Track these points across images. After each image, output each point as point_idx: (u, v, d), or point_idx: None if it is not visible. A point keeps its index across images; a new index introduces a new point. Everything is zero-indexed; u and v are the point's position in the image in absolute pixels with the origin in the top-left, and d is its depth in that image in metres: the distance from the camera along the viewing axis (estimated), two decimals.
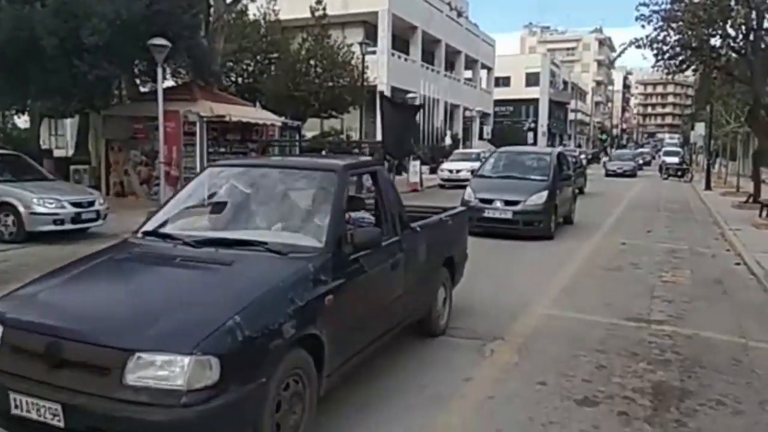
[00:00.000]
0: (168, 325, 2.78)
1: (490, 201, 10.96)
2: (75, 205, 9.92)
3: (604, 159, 46.89)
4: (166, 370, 2.60)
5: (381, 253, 4.06)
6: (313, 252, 3.51)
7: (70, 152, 22.73)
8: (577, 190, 15.52)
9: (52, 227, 9.59)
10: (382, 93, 24.71)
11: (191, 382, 2.59)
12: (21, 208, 9.47)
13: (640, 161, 45.65)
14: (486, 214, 10.80)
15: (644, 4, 14.92)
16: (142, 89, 17.44)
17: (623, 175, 33.24)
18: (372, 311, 4.07)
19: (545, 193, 10.99)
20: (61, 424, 2.67)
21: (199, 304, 2.97)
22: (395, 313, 4.44)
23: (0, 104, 21.70)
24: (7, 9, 12.18)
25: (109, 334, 2.76)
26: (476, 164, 17.98)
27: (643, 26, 15.16)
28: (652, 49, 15.36)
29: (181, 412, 2.57)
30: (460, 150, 31.02)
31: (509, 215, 10.78)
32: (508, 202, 10.80)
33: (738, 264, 9.26)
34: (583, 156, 36.69)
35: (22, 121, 28.79)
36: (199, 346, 2.63)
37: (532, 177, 11.62)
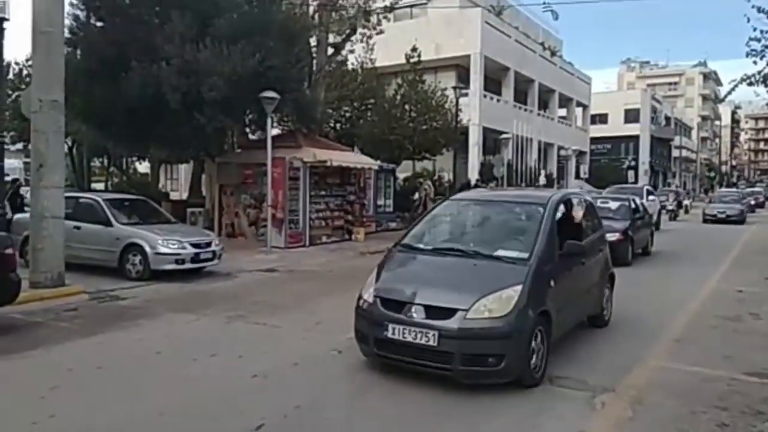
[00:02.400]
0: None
1: (398, 306, 5.32)
2: (194, 245, 10.73)
3: (706, 201, 39.66)
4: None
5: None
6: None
7: (184, 195, 24.59)
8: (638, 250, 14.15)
9: (174, 266, 10.41)
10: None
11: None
12: (147, 249, 10.35)
13: (752, 202, 40.05)
14: (390, 334, 5.23)
15: (756, 39, 14.23)
16: (250, 137, 18.70)
17: (726, 221, 27.45)
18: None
19: (515, 291, 5.16)
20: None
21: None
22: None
23: (125, 151, 24.08)
24: (137, 68, 13.54)
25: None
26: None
27: (755, 62, 14.43)
28: (766, 86, 14.58)
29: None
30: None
31: (432, 340, 5.04)
32: (431, 311, 5.13)
33: None
34: (665, 198, 31.57)
35: (142, 167, 31.64)
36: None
37: (499, 252, 5.71)
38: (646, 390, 5.29)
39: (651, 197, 23.11)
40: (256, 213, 15.77)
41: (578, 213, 6.89)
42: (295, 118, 18.27)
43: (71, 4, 14.39)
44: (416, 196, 22.61)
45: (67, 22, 12.99)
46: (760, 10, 13.88)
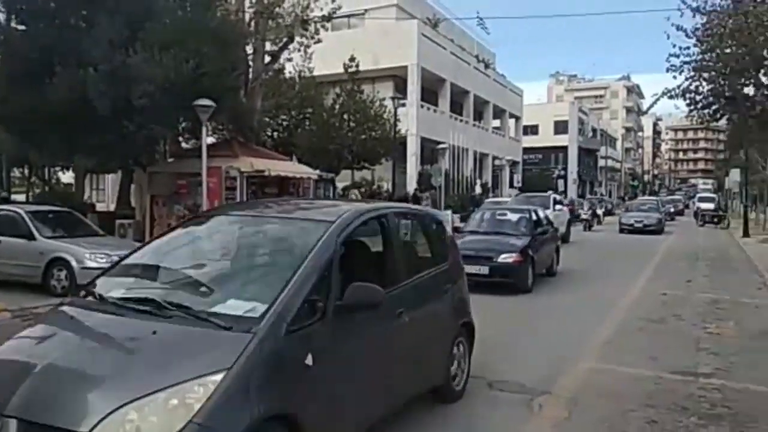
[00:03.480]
0: None
1: None
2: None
3: (621, 210, 37.62)
4: None
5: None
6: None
7: (112, 206, 23.61)
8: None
9: None
10: None
11: None
12: (74, 263, 9.86)
13: (671, 209, 40.18)
14: None
15: (675, 55, 15.10)
16: (184, 146, 18.20)
17: (643, 230, 25.80)
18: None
19: (200, 387, 2.76)
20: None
21: None
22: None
23: (49, 160, 22.91)
24: (61, 73, 12.93)
25: None
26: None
27: (674, 77, 15.32)
28: (685, 99, 15.48)
29: None
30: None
31: None
32: None
33: None
34: (581, 207, 30.74)
35: (66, 176, 30.15)
36: None
37: (220, 306, 3.35)
38: (580, 391, 5.48)
39: (558, 207, 21.22)
40: None
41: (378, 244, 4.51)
42: (230, 126, 17.97)
43: None
44: None
45: None
46: (679, 28, 14.80)
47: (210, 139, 17.47)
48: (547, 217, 13.97)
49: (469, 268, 7.41)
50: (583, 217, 28.60)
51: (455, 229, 19.30)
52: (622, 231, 26.34)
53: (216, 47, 14.14)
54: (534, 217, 12.62)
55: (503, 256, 10.53)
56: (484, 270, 10.25)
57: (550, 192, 25.86)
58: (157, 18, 13.69)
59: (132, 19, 13.42)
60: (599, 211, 34.44)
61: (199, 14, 14.37)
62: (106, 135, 13.92)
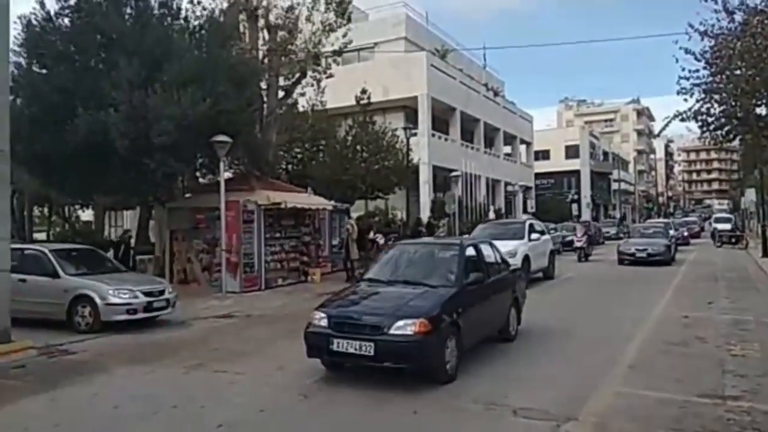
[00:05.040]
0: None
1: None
2: (147, 294, 10.45)
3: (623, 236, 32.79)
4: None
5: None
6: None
7: (131, 242, 23.88)
8: None
9: (126, 317, 10.08)
10: None
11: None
12: (97, 300, 10.00)
13: (685, 233, 35.39)
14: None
15: (685, 78, 15.20)
16: (201, 181, 18.50)
17: (648, 261, 20.90)
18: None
19: None
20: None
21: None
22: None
23: (70, 199, 23.34)
24: (83, 115, 13.26)
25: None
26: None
27: (685, 99, 15.39)
28: (697, 121, 15.52)
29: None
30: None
31: None
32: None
33: None
34: (572, 234, 26.39)
35: (85, 214, 30.63)
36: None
37: None
38: (607, 416, 5.46)
39: (534, 235, 16.62)
40: (209, 258, 15.51)
41: None
42: (247, 160, 18.25)
43: (13, 51, 14.09)
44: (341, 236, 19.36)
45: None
46: (687, 51, 14.93)
47: (227, 174, 17.74)
48: (500, 255, 9.22)
49: (346, 346, 6.32)
50: (577, 245, 24.59)
51: None
52: (621, 262, 21.61)
53: (232, 85, 14.51)
54: (472, 254, 8.17)
55: (399, 324, 6.28)
56: (368, 349, 6.25)
57: (526, 218, 21.87)
58: (175, 58, 14.07)
59: (150, 59, 13.81)
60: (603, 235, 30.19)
61: (214, 53, 14.77)
62: (126, 173, 14.22)
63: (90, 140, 13.20)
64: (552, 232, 24.30)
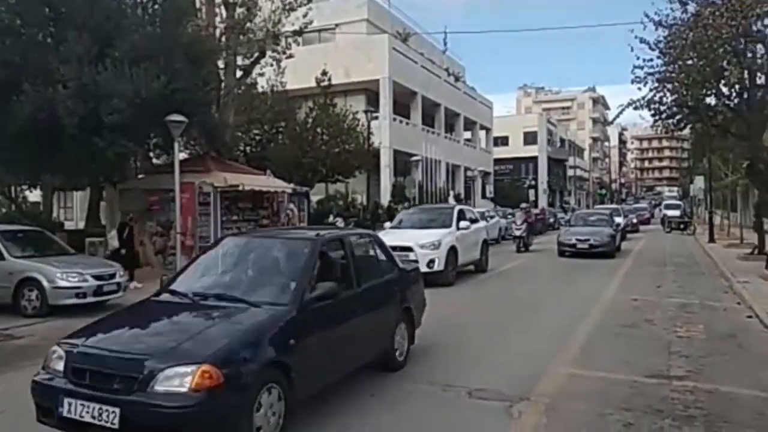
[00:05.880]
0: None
1: None
2: (97, 278, 10.16)
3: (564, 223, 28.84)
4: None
5: None
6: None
7: (80, 224, 23.15)
8: None
9: (75, 300, 9.79)
10: None
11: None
12: (45, 283, 9.68)
13: (634, 220, 34.26)
14: None
15: (639, 67, 15.54)
16: (155, 162, 18.01)
17: (590, 253, 18.72)
18: None
19: None
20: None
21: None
22: None
23: (16, 179, 22.39)
24: (29, 92, 12.70)
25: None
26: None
27: (639, 88, 15.73)
28: (650, 110, 15.89)
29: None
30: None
31: None
32: None
33: (750, 317, 9.37)
34: (512, 220, 24.21)
35: (33, 195, 29.47)
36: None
37: None
38: (558, 396, 5.59)
39: (464, 224, 14.44)
40: (163, 241, 15.15)
41: None
42: (203, 141, 17.83)
43: None
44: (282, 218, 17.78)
45: None
46: (642, 40, 15.25)
47: (182, 155, 17.33)
48: (384, 251, 6.81)
49: (81, 410, 3.90)
50: (516, 233, 21.78)
51: None
52: (561, 254, 19.41)
53: (187, 62, 14.09)
54: (334, 254, 5.78)
55: (168, 374, 3.89)
56: (111, 419, 3.83)
57: (454, 204, 19.57)
58: (127, 33, 13.58)
59: (101, 34, 13.28)
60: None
61: (169, 30, 14.29)
62: (76, 152, 13.69)
63: (37, 118, 12.66)
64: (488, 219, 22.99)
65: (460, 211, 15.15)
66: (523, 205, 24.93)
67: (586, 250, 18.89)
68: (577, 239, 19.43)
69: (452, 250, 13.27)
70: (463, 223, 14.36)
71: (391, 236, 12.27)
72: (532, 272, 15.99)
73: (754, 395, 5.60)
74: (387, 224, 15.93)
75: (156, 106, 13.09)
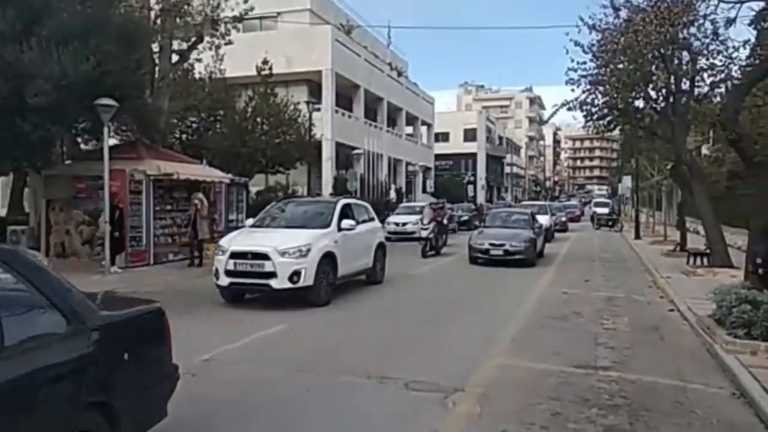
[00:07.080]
0: None
1: None
2: None
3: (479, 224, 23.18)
4: None
5: None
6: None
7: (2, 212, 21.83)
8: None
9: None
10: None
11: None
12: None
13: (563, 218, 32.96)
14: None
15: (573, 69, 16.00)
16: (83, 147, 17.16)
17: (505, 261, 15.83)
18: None
19: None
20: None
21: None
22: None
23: None
24: None
25: None
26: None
27: (572, 89, 16.23)
28: (582, 111, 16.40)
29: None
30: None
31: None
32: None
33: (671, 310, 9.87)
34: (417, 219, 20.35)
35: None
36: None
37: None
38: (491, 386, 5.71)
39: (348, 223, 11.25)
40: (91, 230, 14.45)
41: None
42: (135, 127, 17.15)
43: None
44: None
45: None
46: (576, 43, 15.70)
47: (113, 141, 16.60)
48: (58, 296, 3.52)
49: None
50: (422, 234, 18.50)
51: None
52: (473, 260, 16.46)
53: (119, 44, 13.46)
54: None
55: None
56: None
57: (338, 199, 12.64)
58: (55, 11, 12.83)
59: (27, 11, 12.49)
60: (451, 225, 23.79)
61: (100, 10, 13.58)
62: None
63: None
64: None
65: (345, 207, 11.79)
66: (433, 201, 22.15)
67: (500, 257, 15.95)
68: (490, 244, 16.29)
69: (328, 258, 10.26)
70: (346, 223, 11.18)
71: (242, 239, 10.30)
72: (443, 279, 13.95)
73: (673, 385, 5.90)
74: (248, 221, 12.56)
75: (85, 89, 12.45)
